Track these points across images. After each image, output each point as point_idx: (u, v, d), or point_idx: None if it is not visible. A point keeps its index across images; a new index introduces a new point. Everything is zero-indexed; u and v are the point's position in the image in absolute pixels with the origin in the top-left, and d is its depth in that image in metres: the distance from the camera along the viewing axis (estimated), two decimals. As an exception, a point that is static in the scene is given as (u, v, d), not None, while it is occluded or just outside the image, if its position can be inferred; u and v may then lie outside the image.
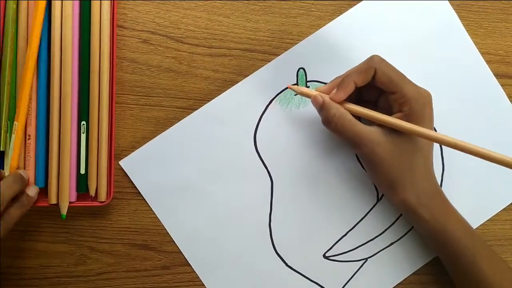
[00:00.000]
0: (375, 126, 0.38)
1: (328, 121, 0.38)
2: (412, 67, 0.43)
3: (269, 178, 0.43)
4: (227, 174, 0.43)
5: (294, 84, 0.43)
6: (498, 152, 0.35)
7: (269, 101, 0.43)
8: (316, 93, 0.39)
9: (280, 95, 0.43)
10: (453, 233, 0.39)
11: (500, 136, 0.45)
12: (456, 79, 0.44)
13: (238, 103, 0.43)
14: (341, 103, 0.39)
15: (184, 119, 0.43)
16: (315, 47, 0.43)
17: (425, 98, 0.38)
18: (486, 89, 0.45)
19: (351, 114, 0.38)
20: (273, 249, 0.43)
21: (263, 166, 0.43)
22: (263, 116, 0.43)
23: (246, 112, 0.43)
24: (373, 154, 0.38)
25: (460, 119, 0.45)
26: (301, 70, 0.43)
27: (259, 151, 0.43)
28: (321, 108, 0.39)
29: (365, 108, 0.38)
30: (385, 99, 0.39)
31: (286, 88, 0.43)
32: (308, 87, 0.43)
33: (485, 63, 0.45)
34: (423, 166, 0.39)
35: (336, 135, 0.39)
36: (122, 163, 0.42)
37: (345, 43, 0.44)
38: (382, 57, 0.38)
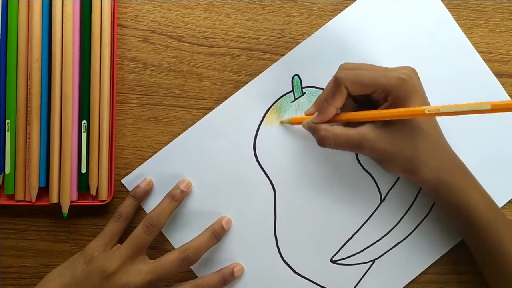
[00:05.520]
0: (367, 124, 0.38)
1: (321, 142, 0.39)
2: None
3: (271, 187, 0.43)
4: (229, 186, 0.43)
5: (290, 92, 0.43)
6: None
7: (265, 110, 0.43)
8: (305, 119, 0.40)
9: (276, 103, 0.43)
10: (476, 207, 0.38)
11: (500, 133, 0.45)
12: (452, 76, 0.44)
13: (235, 115, 0.43)
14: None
15: (181, 135, 0.43)
16: (308, 53, 0.43)
17: (404, 81, 0.36)
18: (483, 85, 0.44)
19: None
20: (280, 258, 0.43)
21: (265, 176, 0.43)
22: (261, 126, 0.43)
23: (244, 123, 0.43)
24: (373, 150, 0.38)
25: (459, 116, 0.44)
26: (296, 77, 0.43)
27: (259, 160, 0.43)
28: (312, 132, 0.40)
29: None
30: None
31: (282, 96, 0.43)
32: (304, 93, 0.43)
33: (481, 58, 0.44)
34: (431, 144, 0.38)
35: (337, 150, 0.39)
36: (124, 181, 0.42)
37: (337, 46, 0.43)
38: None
